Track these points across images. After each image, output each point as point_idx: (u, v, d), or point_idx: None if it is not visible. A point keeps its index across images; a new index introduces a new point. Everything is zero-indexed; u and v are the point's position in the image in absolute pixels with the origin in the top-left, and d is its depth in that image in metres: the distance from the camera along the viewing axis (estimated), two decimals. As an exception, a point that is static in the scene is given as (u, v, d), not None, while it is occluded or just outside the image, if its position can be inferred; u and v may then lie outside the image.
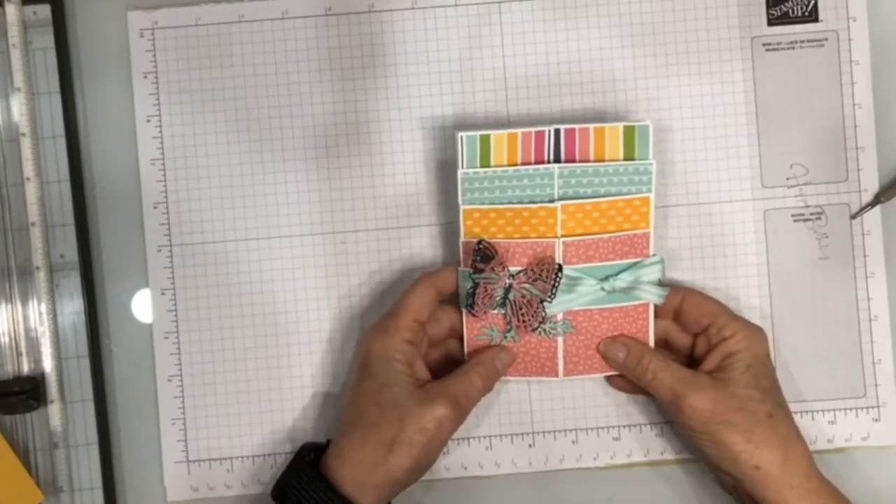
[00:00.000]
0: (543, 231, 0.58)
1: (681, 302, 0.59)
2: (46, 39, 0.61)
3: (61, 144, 0.61)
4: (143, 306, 0.62)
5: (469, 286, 0.58)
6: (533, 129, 0.58)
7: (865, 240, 0.62)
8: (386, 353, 0.56)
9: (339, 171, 0.62)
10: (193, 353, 0.62)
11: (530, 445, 0.62)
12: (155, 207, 0.62)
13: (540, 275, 0.58)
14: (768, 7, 0.62)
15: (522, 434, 0.62)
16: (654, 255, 0.59)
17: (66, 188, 0.61)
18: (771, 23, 0.62)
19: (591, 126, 0.58)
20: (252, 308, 0.62)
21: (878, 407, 0.62)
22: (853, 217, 0.62)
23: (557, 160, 0.58)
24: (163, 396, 0.62)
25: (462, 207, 0.58)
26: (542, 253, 0.58)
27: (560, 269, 0.57)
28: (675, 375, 0.57)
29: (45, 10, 0.61)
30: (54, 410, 0.61)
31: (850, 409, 0.62)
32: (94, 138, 0.62)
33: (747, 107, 0.62)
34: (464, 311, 0.59)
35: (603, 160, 0.58)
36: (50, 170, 0.62)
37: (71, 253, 0.61)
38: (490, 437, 0.62)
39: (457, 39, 0.62)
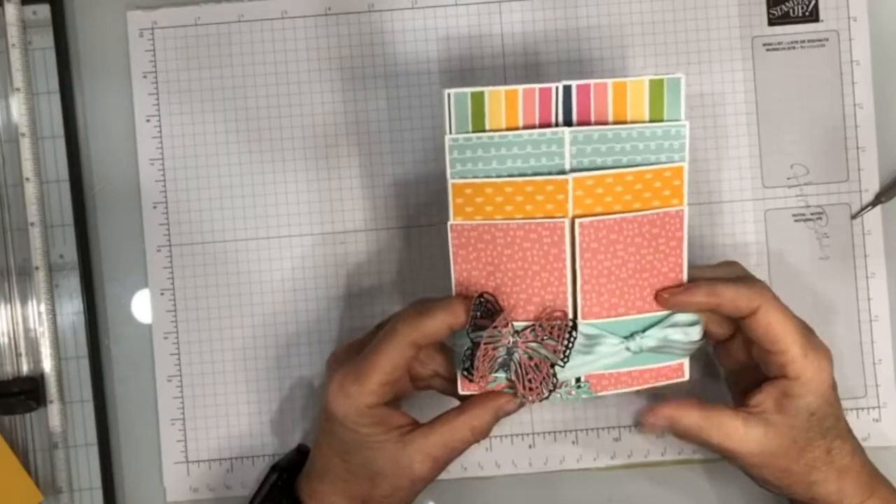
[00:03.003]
0: (551, 210, 0.48)
1: (755, 310, 0.49)
2: (46, 39, 0.61)
3: (61, 144, 0.61)
4: (142, 307, 0.62)
5: (467, 347, 0.48)
6: (537, 86, 0.48)
7: (866, 240, 0.62)
8: (349, 418, 0.50)
9: (339, 171, 0.62)
10: (193, 353, 0.62)
11: (530, 446, 0.62)
12: (154, 207, 0.62)
13: (550, 332, 0.48)
14: (769, 7, 0.62)
15: (522, 435, 0.62)
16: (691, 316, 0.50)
17: (66, 188, 0.61)
18: (771, 23, 0.62)
19: (610, 81, 0.48)
20: (252, 308, 0.62)
21: (878, 407, 0.62)
22: (854, 217, 0.62)
23: (568, 123, 0.48)
24: (162, 397, 0.62)
25: (451, 182, 0.48)
26: (547, 247, 0.48)
27: (574, 327, 0.48)
28: (721, 431, 0.50)
29: (44, 10, 0.61)
30: (54, 411, 0.61)
31: (851, 409, 0.62)
32: (93, 138, 0.62)
33: (748, 107, 0.62)
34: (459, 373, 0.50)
35: (624, 122, 0.48)
36: (49, 170, 0.62)
37: (70, 253, 0.61)
38: (490, 437, 0.62)
39: (457, 39, 0.62)
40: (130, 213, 0.62)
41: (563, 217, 0.48)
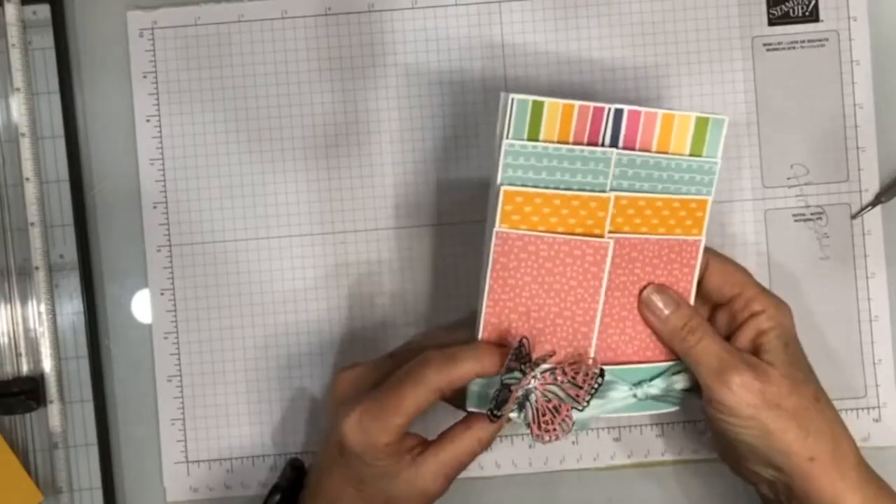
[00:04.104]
0: (591, 226, 0.50)
1: (704, 268, 0.53)
2: (46, 39, 0.61)
3: (60, 144, 0.61)
4: (142, 307, 0.62)
5: (496, 389, 0.48)
6: (592, 104, 0.49)
7: (866, 240, 0.62)
8: (367, 454, 0.50)
9: (339, 171, 0.62)
10: (193, 353, 0.62)
11: (530, 446, 0.62)
12: (154, 207, 0.62)
13: (574, 377, 0.49)
14: (769, 7, 0.62)
15: (522, 435, 0.62)
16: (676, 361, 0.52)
17: (66, 188, 0.61)
18: (771, 23, 0.62)
19: (660, 111, 0.51)
20: (252, 308, 0.62)
21: (878, 407, 0.62)
22: (854, 217, 0.62)
23: (614, 144, 0.50)
24: (162, 397, 0.62)
25: (502, 188, 0.48)
26: (588, 265, 0.49)
27: (602, 374, 0.49)
28: (723, 344, 0.51)
29: (44, 10, 0.61)
30: (54, 411, 0.61)
31: (851, 409, 0.62)
32: (93, 138, 0.62)
33: (748, 107, 0.62)
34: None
35: (666, 152, 0.51)
36: (49, 170, 0.62)
37: (70, 253, 0.61)
38: (490, 437, 0.62)
39: (457, 39, 0.62)
40: (130, 213, 0.62)
41: (599, 236, 0.50)
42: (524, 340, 0.48)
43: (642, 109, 0.50)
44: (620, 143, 0.50)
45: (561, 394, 0.49)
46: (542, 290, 0.51)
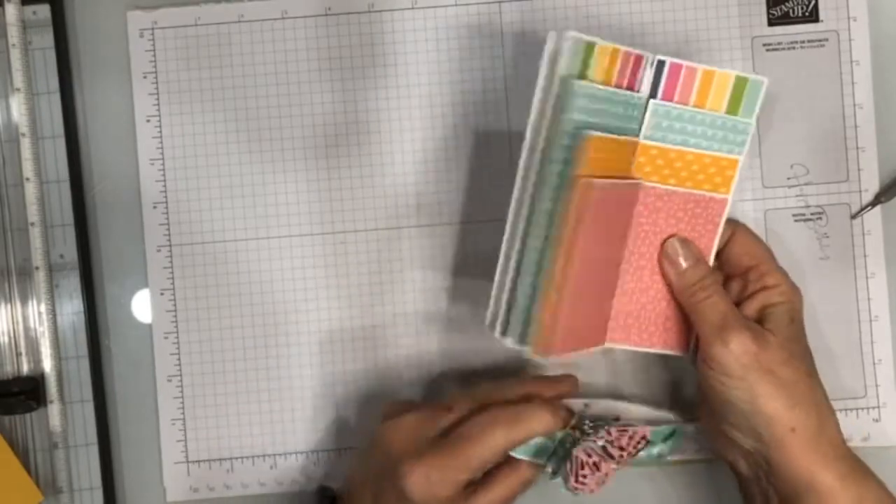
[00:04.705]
0: (624, 170, 0.51)
1: (729, 237, 0.55)
2: (46, 39, 0.61)
3: (61, 144, 0.61)
4: (142, 306, 0.62)
5: (553, 446, 0.51)
6: (633, 51, 0.50)
7: (866, 240, 0.62)
8: (429, 503, 0.51)
9: (339, 171, 0.62)
10: (193, 353, 0.62)
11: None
12: (154, 207, 0.62)
13: (619, 441, 0.51)
14: (768, 7, 0.62)
15: (522, 434, 0.62)
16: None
17: (66, 188, 0.61)
18: (771, 23, 0.62)
19: (701, 67, 0.51)
20: (252, 308, 0.62)
21: (878, 407, 0.62)
22: (854, 217, 0.62)
23: (653, 95, 0.51)
24: (163, 396, 0.62)
25: (589, 134, 0.48)
26: (625, 205, 0.50)
27: (648, 441, 0.51)
28: (730, 305, 0.52)
29: (44, 10, 0.61)
30: (54, 411, 0.61)
31: (851, 409, 0.62)
32: (93, 138, 0.62)
33: (748, 107, 0.62)
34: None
35: (703, 108, 0.52)
36: (49, 170, 0.62)
37: (70, 253, 0.61)
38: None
39: (457, 39, 0.62)
40: (130, 213, 0.62)
41: (628, 175, 0.51)
42: (586, 405, 0.52)
43: (684, 63, 0.51)
44: (659, 95, 0.51)
45: (599, 451, 0.51)
46: (602, 237, 0.51)
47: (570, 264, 0.49)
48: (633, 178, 0.52)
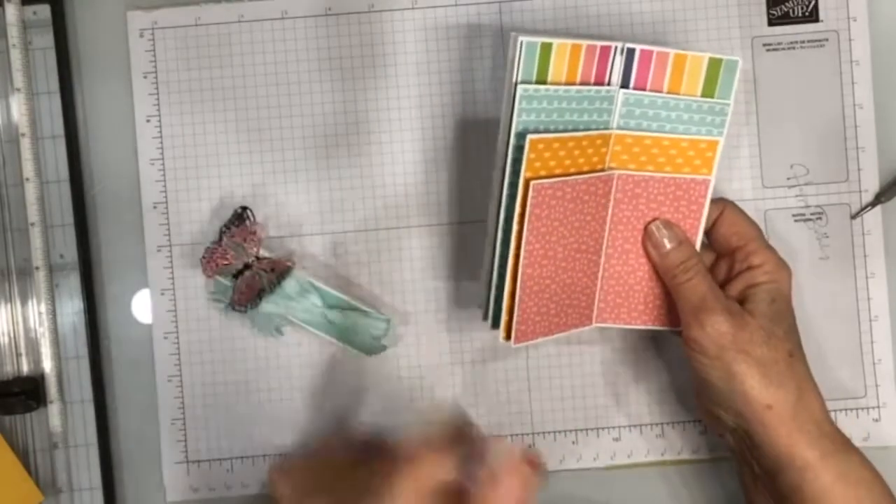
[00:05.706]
0: (596, 163, 0.51)
1: (719, 215, 0.56)
2: (46, 39, 0.61)
3: (61, 144, 0.61)
4: (142, 306, 0.62)
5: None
6: (599, 43, 0.50)
7: (866, 240, 0.62)
8: None
9: (339, 171, 0.62)
10: (193, 353, 0.62)
11: (530, 446, 0.62)
12: (154, 207, 0.62)
13: (273, 268, 0.59)
14: (768, 7, 0.62)
15: (522, 434, 0.62)
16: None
17: (66, 188, 0.61)
18: (771, 23, 0.62)
19: (672, 51, 0.51)
20: (252, 308, 0.62)
21: (878, 407, 0.62)
22: (854, 217, 0.62)
23: (625, 85, 0.51)
24: (163, 396, 0.62)
25: (529, 137, 0.49)
26: (598, 198, 0.51)
27: (288, 273, 0.58)
28: (711, 287, 0.53)
29: (44, 10, 0.61)
30: (54, 411, 0.61)
31: (851, 409, 0.62)
32: (93, 138, 0.62)
33: (747, 107, 0.62)
34: None
35: (677, 93, 0.52)
36: (49, 170, 0.62)
37: (71, 253, 0.61)
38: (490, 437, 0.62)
39: (457, 39, 0.62)
40: (130, 213, 0.62)
41: (603, 168, 0.51)
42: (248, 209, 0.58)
43: (654, 49, 0.51)
44: (631, 84, 0.51)
45: (265, 279, 0.58)
46: (566, 230, 0.52)
47: (522, 260, 0.52)
48: (600, 171, 0.52)
